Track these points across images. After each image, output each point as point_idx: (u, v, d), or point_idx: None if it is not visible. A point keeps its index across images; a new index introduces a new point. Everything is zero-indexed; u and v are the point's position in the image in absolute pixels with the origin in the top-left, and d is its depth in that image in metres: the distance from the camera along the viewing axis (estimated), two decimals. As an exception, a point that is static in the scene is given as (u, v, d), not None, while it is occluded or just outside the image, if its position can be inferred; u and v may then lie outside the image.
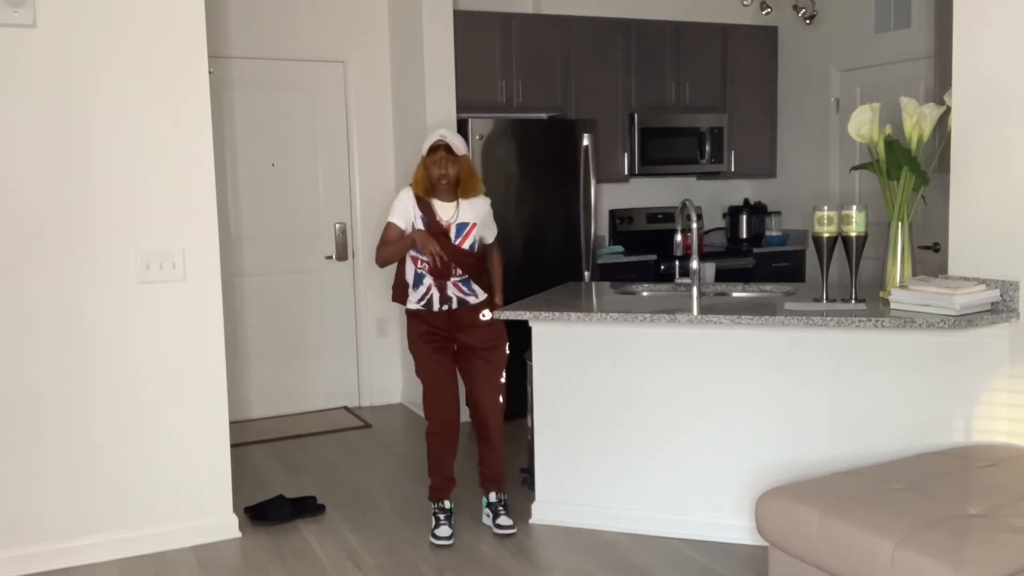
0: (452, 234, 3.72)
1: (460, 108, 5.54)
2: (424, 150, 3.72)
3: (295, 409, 5.93)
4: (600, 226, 6.29)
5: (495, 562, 3.59)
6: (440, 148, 3.66)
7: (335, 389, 6.04)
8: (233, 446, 4.06)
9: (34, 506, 3.59)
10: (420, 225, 3.71)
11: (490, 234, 3.92)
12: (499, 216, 5.52)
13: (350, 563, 3.62)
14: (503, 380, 3.88)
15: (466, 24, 5.61)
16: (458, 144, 3.68)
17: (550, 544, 3.76)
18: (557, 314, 3.71)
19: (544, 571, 3.52)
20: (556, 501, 3.94)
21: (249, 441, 5.30)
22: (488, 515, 3.92)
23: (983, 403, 3.41)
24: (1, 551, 3.54)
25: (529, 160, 5.66)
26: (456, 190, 3.74)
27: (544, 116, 6.09)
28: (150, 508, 3.76)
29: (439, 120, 5.45)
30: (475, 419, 3.91)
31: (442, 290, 3.74)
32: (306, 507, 4.12)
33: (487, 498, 3.94)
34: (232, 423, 4.08)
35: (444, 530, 3.78)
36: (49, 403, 3.58)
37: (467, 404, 3.91)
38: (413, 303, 3.80)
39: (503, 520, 3.84)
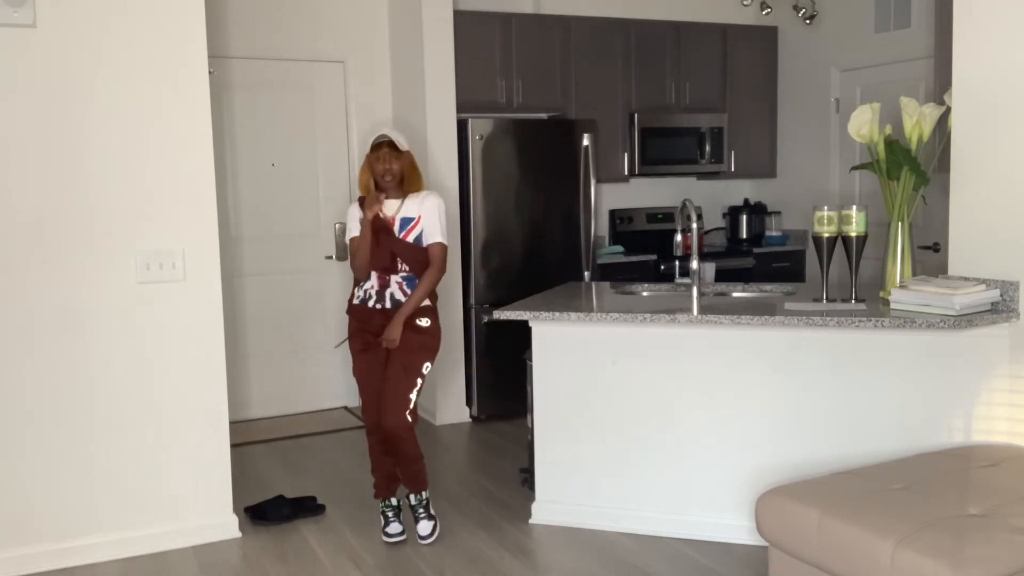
0: (396, 228, 3.67)
1: (460, 108, 5.55)
2: (368, 148, 3.70)
3: (295, 409, 5.93)
4: (600, 226, 6.29)
5: (495, 562, 3.59)
6: (384, 145, 3.65)
7: (335, 389, 6.04)
8: (233, 446, 4.06)
9: (34, 506, 3.59)
10: (364, 227, 3.68)
11: (431, 234, 3.68)
12: (499, 216, 5.61)
13: (350, 563, 3.62)
14: (413, 396, 3.67)
15: (466, 24, 5.61)
16: (401, 141, 3.67)
17: (550, 544, 3.76)
18: (557, 314, 3.71)
19: (544, 571, 3.52)
20: (556, 501, 3.94)
21: (249, 441, 5.30)
22: (412, 519, 3.85)
23: (983, 403, 3.41)
24: (1, 551, 3.54)
25: (529, 160, 5.66)
26: (401, 187, 3.71)
27: (544, 116, 6.09)
28: (150, 508, 3.76)
29: (439, 120, 5.45)
30: (380, 429, 3.72)
31: (382, 288, 3.69)
32: (306, 507, 4.12)
33: (408, 500, 3.86)
34: (232, 423, 4.08)
35: (394, 527, 3.80)
36: (49, 403, 3.58)
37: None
38: (354, 299, 3.77)
39: (422, 527, 3.77)
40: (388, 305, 3.70)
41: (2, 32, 3.41)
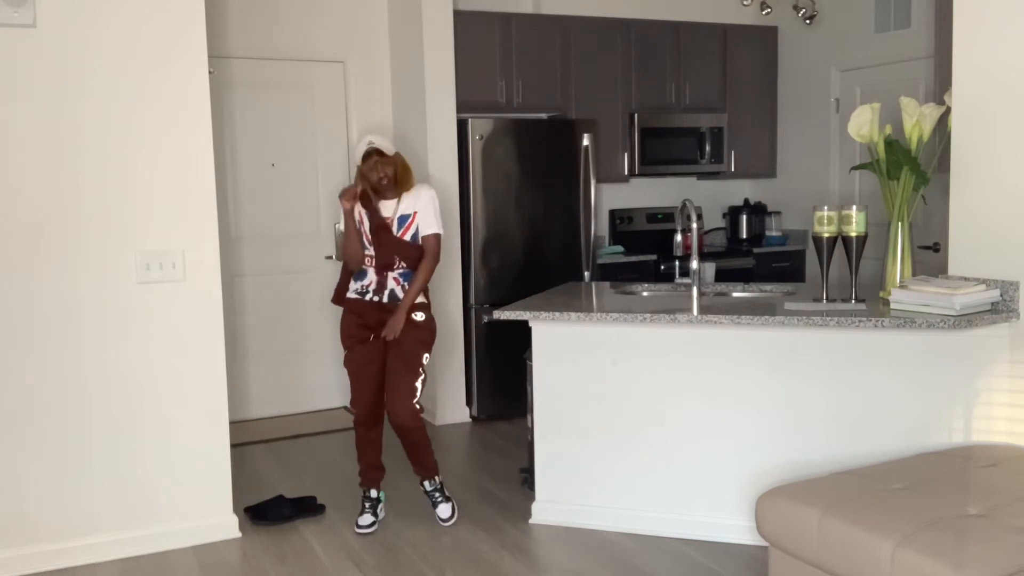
0: (394, 227, 3.84)
1: (460, 108, 5.55)
2: (358, 160, 3.84)
3: (295, 409, 5.93)
4: (600, 226, 6.29)
5: (495, 562, 3.59)
6: (372, 154, 3.80)
7: (335, 389, 6.03)
8: (233, 446, 4.06)
9: (34, 506, 3.59)
10: (365, 222, 3.87)
11: (426, 225, 3.85)
12: (499, 216, 5.61)
13: (350, 563, 3.63)
14: (418, 384, 3.86)
15: (466, 24, 5.61)
16: (387, 146, 3.84)
17: (550, 544, 3.76)
18: (557, 314, 3.71)
19: (544, 571, 3.52)
20: (556, 501, 3.94)
21: (249, 441, 5.30)
22: (430, 504, 4.03)
23: (983, 403, 3.41)
24: (1, 551, 3.54)
25: (529, 160, 5.66)
26: (396, 187, 3.85)
27: (544, 116, 6.09)
28: (150, 508, 3.76)
29: (439, 120, 5.45)
30: (390, 421, 3.92)
31: (381, 283, 3.86)
32: (306, 507, 4.13)
33: (423, 487, 4.04)
34: (232, 423, 4.08)
35: (365, 518, 3.94)
36: (49, 403, 3.58)
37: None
38: (351, 293, 3.94)
39: (441, 511, 3.98)
40: (386, 300, 3.86)
41: (2, 32, 3.41)
